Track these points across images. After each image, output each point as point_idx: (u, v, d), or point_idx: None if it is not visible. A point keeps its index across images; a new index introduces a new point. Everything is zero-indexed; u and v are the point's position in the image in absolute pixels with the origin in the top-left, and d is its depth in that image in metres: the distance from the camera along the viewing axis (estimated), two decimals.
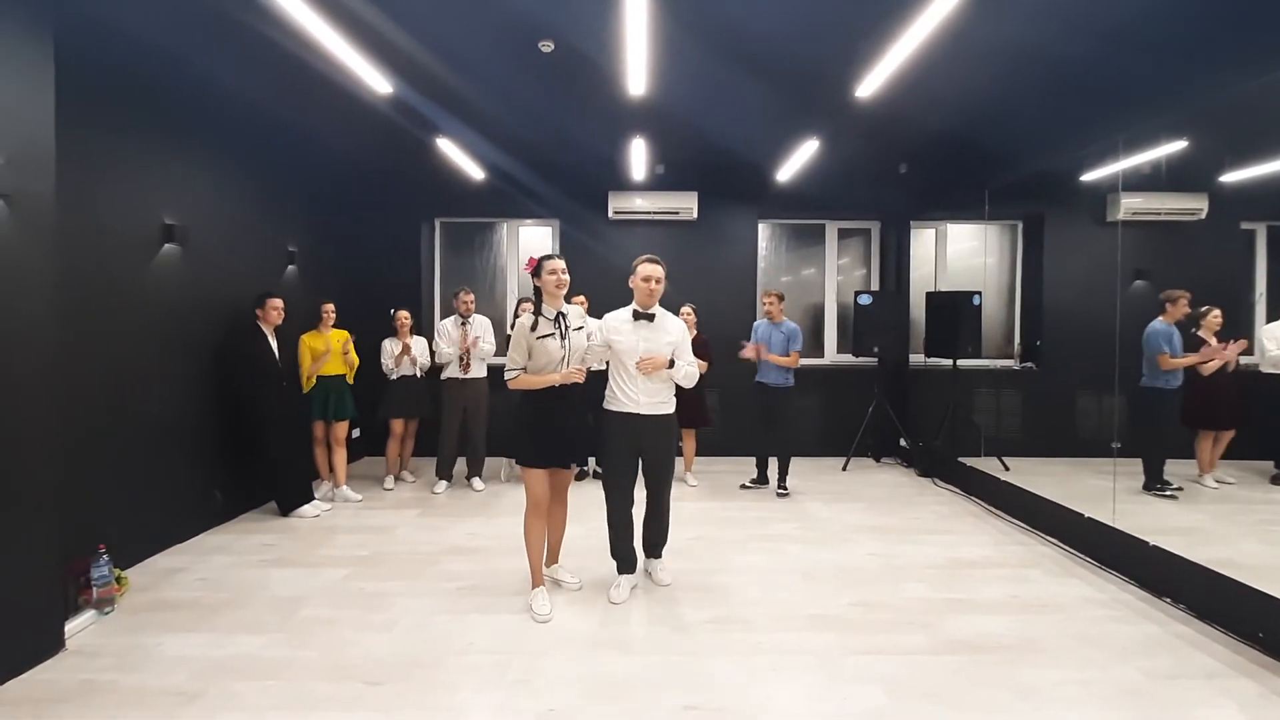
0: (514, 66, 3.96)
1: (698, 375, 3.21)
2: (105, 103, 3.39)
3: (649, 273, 3.11)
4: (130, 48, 3.50)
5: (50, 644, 2.58)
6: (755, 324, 5.23)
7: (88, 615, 2.85)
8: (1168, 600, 3.12)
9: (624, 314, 3.16)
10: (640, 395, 3.08)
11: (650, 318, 3.12)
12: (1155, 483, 4.30)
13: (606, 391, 3.19)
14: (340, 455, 4.83)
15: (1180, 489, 4.29)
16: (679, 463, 5.39)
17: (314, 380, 4.71)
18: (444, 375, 5.13)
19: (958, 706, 2.29)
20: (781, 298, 5.10)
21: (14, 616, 2.43)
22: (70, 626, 2.72)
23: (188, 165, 4.00)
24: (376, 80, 3.85)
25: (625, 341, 3.10)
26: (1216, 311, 4.24)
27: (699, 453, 5.71)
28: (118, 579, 3.05)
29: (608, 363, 3.23)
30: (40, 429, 2.54)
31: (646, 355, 3.06)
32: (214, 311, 4.16)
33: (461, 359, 5.05)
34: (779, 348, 4.99)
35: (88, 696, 2.32)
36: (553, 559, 3.37)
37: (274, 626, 2.85)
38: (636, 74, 3.80)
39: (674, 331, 3.15)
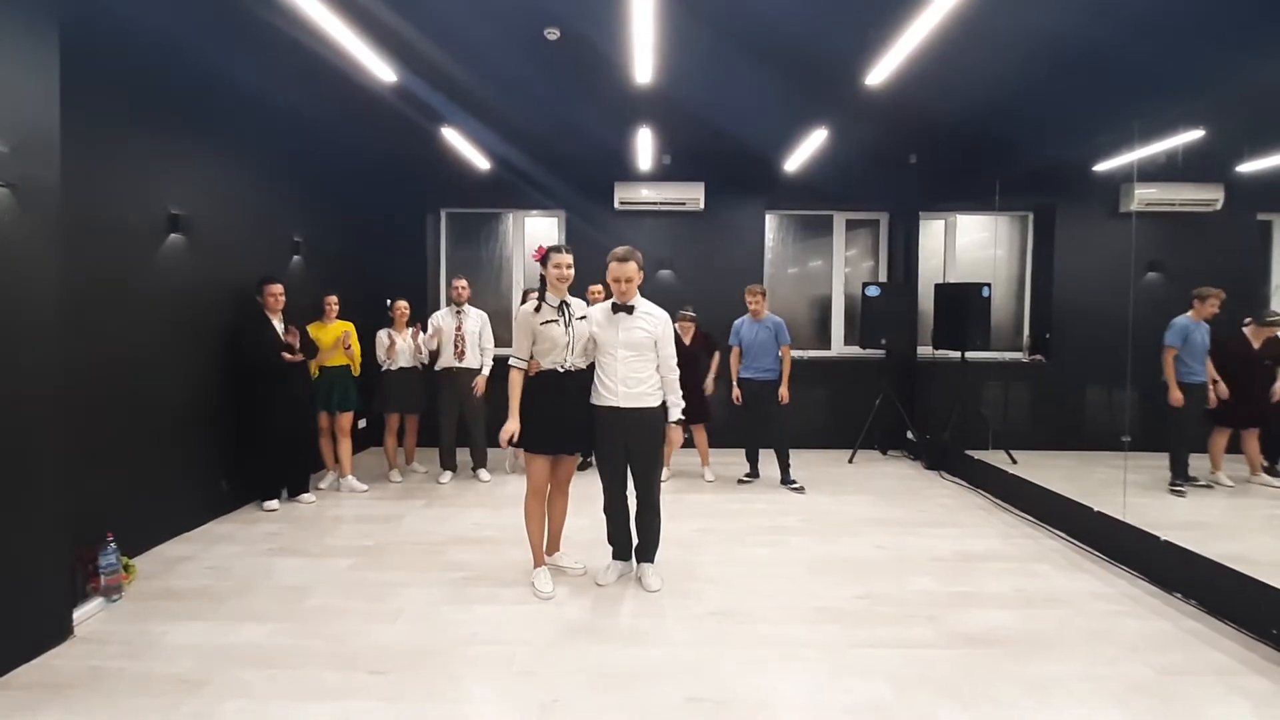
0: (519, 54, 3.93)
1: (677, 372, 3.14)
2: (110, 92, 3.38)
3: (617, 273, 3.03)
4: (135, 37, 3.49)
5: (59, 631, 2.60)
6: (736, 324, 5.14)
7: (95, 603, 2.87)
8: (1179, 596, 3.08)
9: (605, 306, 3.13)
10: (619, 386, 3.05)
11: (629, 310, 3.07)
12: (1179, 479, 4.25)
13: (593, 384, 3.16)
14: (345, 446, 4.84)
15: (1209, 485, 4.24)
16: (696, 457, 5.41)
17: (318, 372, 4.71)
18: (439, 366, 5.10)
19: (964, 700, 2.27)
20: (764, 293, 5.05)
21: (23, 604, 2.45)
22: (78, 614, 2.74)
23: (193, 155, 3.99)
24: (381, 69, 3.83)
25: (604, 333, 3.08)
26: None
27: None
28: (125, 567, 3.07)
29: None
30: (47, 418, 2.54)
31: (626, 347, 3.04)
32: (219, 301, 4.16)
33: (456, 347, 5.00)
34: (768, 344, 4.96)
35: (96, 683, 2.33)
36: (554, 547, 3.39)
37: (280, 615, 2.86)
38: (643, 62, 3.76)
39: (653, 324, 3.08)
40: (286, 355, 4.21)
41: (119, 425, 3.39)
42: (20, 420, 2.43)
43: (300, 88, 4.41)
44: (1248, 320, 4.18)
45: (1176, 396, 4.23)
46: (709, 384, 5.15)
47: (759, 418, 5.06)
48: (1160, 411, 4.34)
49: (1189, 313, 4.24)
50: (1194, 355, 4.27)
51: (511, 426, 3.01)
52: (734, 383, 5.09)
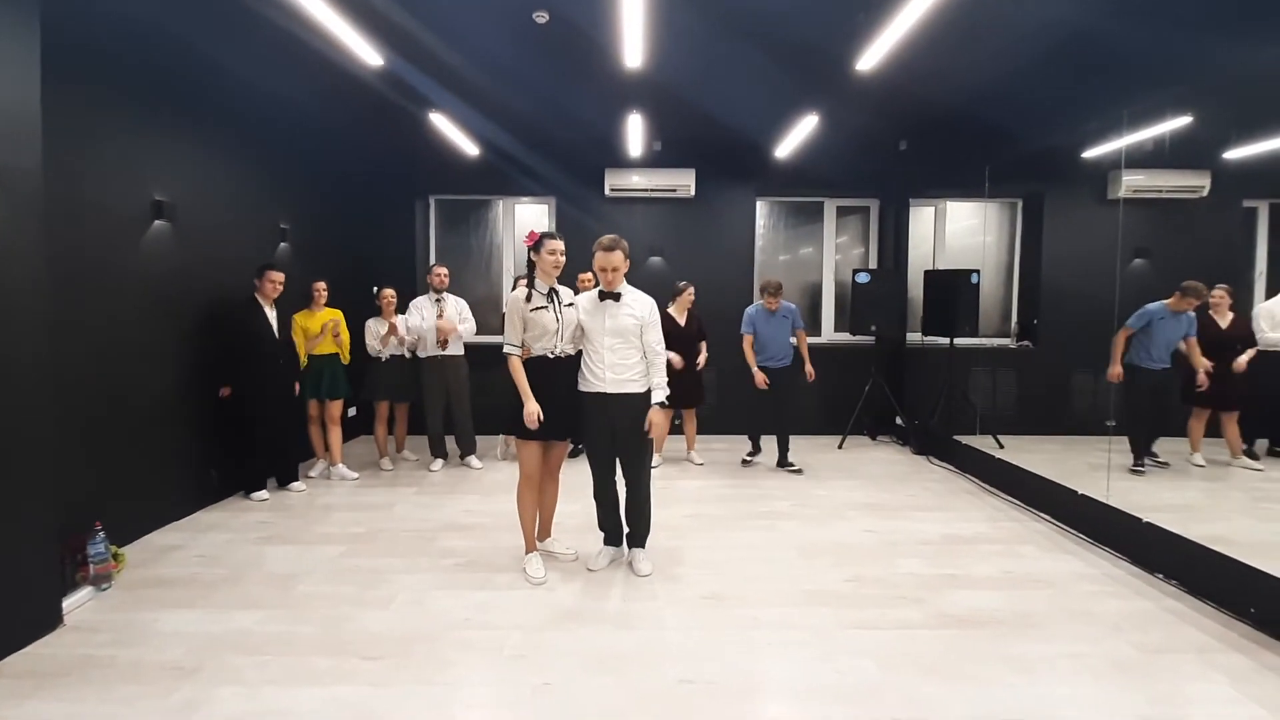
0: (508, 38, 3.88)
1: (664, 354, 3.15)
2: (94, 77, 3.31)
3: (603, 263, 3.03)
4: (119, 21, 3.42)
5: (49, 620, 2.59)
6: (749, 311, 5.11)
7: (85, 592, 2.86)
8: (1160, 576, 3.14)
9: (592, 294, 3.14)
10: (607, 373, 3.06)
11: (616, 297, 3.07)
12: (1139, 460, 4.31)
13: (580, 371, 3.17)
14: (335, 434, 4.82)
15: (1166, 464, 4.32)
16: (683, 443, 5.44)
17: (306, 360, 4.68)
18: (423, 354, 5.07)
19: (950, 679, 2.31)
20: (780, 287, 5.01)
21: (13, 593, 2.43)
22: (68, 603, 2.73)
23: (178, 141, 3.93)
24: (367, 53, 3.77)
25: (591, 321, 3.09)
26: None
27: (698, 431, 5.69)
28: (114, 556, 3.05)
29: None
30: (35, 407, 2.52)
31: (613, 334, 3.05)
32: (205, 289, 4.11)
33: (438, 335, 4.97)
34: (783, 333, 5.01)
35: (87, 671, 2.33)
36: (545, 533, 3.41)
37: (271, 602, 2.86)
38: (633, 45, 3.72)
39: (639, 310, 3.09)
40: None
41: (106, 414, 3.36)
42: (7, 409, 2.40)
43: (287, 72, 4.34)
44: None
45: (1115, 372, 4.29)
46: (700, 362, 5.16)
47: (772, 403, 5.08)
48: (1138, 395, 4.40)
49: (1167, 301, 4.26)
50: (1154, 342, 4.28)
51: (532, 408, 2.99)
52: (755, 370, 5.00)
